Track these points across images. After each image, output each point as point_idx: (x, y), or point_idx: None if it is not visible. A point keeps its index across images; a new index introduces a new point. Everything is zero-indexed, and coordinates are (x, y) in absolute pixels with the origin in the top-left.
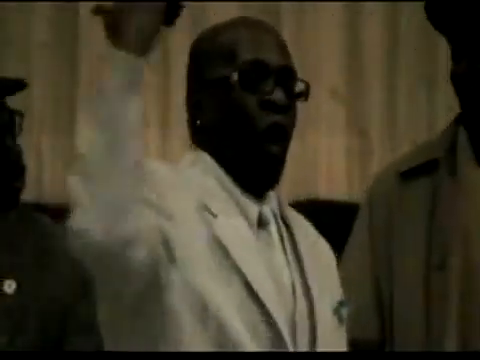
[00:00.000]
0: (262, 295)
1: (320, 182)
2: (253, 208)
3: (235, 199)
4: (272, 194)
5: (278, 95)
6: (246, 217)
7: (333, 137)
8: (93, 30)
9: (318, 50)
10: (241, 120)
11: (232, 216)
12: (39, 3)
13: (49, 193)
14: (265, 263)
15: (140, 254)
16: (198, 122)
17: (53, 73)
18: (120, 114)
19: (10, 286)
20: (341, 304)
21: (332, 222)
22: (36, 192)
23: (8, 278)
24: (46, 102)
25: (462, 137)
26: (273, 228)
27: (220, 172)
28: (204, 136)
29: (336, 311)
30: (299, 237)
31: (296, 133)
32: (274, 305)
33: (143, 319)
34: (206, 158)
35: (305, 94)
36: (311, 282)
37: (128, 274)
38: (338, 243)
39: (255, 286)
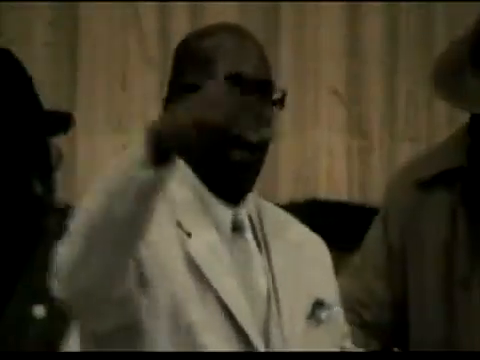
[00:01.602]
0: (234, 310)
1: (320, 182)
2: (226, 215)
3: (208, 208)
4: (251, 195)
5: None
6: (218, 227)
7: (333, 137)
8: (93, 30)
9: (318, 50)
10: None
11: (205, 230)
12: (39, 3)
13: None
14: (240, 273)
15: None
16: None
17: (53, 73)
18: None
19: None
20: (319, 305)
21: (332, 222)
22: None
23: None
24: (46, 102)
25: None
26: (249, 234)
27: (194, 180)
28: None
29: (311, 314)
30: (272, 241)
31: (296, 132)
32: (247, 318)
33: (117, 339)
34: (181, 165)
35: (281, 102)
36: (279, 287)
37: (101, 313)
38: (338, 243)
39: (227, 301)
